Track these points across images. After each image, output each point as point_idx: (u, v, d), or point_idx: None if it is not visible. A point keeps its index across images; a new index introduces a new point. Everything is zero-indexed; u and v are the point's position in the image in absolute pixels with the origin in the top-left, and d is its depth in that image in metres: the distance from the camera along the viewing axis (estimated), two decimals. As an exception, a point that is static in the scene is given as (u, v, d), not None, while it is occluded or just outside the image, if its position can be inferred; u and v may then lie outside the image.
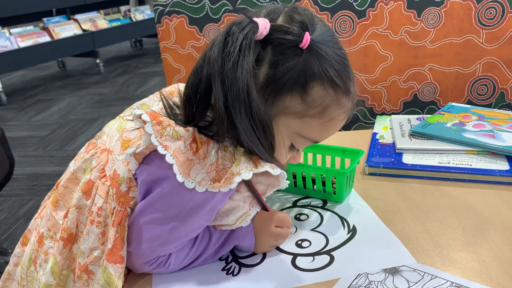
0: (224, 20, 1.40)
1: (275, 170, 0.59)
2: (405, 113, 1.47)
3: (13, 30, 3.88)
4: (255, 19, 0.53)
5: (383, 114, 1.48)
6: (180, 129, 0.56)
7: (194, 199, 0.57)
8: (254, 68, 0.54)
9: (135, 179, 0.60)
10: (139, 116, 0.56)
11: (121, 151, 0.61)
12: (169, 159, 0.54)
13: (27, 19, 4.12)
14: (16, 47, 3.79)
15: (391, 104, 1.46)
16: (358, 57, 1.44)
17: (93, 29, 4.40)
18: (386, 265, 0.62)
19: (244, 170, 0.56)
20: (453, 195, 0.79)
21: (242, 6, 1.38)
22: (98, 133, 0.69)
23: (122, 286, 0.61)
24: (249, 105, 0.53)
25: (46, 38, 4.03)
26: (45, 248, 0.67)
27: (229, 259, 0.66)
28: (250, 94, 0.52)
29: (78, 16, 4.40)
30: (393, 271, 0.61)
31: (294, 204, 0.80)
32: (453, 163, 0.85)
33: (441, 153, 0.89)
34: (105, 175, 0.61)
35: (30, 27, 4.05)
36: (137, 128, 0.62)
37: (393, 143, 0.95)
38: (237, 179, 0.55)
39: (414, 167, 0.85)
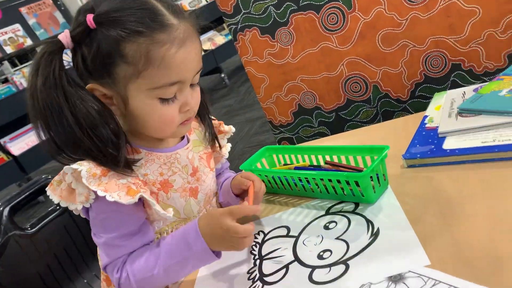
0: (292, 21, 1.43)
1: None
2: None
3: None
4: (58, 37, 0.64)
5: (485, 74, 1.31)
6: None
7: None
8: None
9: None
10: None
11: None
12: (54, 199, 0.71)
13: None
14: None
15: (493, 61, 1.28)
16: (441, 19, 1.30)
17: (212, 47, 4.74)
18: (394, 271, 0.60)
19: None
20: (492, 182, 0.69)
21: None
22: None
23: None
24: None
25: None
26: None
27: (256, 278, 0.71)
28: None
29: (198, 38, 4.77)
30: (398, 279, 0.58)
31: (327, 212, 0.80)
32: (498, 141, 0.73)
33: (487, 130, 0.77)
34: None
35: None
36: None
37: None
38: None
39: (453, 153, 0.76)
